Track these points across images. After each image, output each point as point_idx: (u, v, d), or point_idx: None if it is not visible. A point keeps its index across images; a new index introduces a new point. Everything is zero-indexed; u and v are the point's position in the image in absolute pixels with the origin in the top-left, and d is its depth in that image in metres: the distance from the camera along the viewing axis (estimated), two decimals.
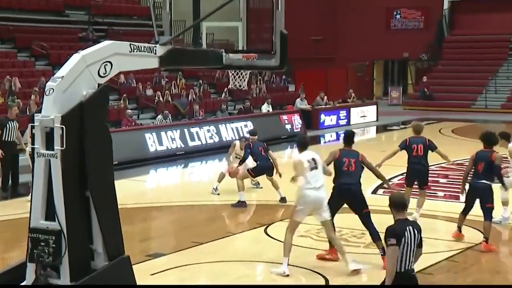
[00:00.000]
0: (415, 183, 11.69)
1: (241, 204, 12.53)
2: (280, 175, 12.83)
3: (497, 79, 34.53)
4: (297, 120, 24.17)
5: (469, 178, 10.42)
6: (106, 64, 6.82)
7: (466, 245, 10.16)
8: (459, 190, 11.52)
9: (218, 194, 13.59)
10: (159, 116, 21.48)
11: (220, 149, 19.73)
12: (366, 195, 13.63)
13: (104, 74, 6.82)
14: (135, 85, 25.44)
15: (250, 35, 8.46)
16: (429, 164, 11.59)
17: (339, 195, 9.42)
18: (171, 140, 19.15)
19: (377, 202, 12.99)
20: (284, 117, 24.01)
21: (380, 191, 14.12)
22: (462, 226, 10.50)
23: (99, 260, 6.69)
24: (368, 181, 14.82)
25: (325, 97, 27.99)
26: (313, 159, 9.03)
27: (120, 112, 21.97)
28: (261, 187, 13.99)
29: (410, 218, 11.09)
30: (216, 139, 20.37)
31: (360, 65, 40.08)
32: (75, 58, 6.68)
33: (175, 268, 9.10)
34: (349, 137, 9.85)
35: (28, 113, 19.61)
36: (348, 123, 27.36)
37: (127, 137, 18.09)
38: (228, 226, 11.37)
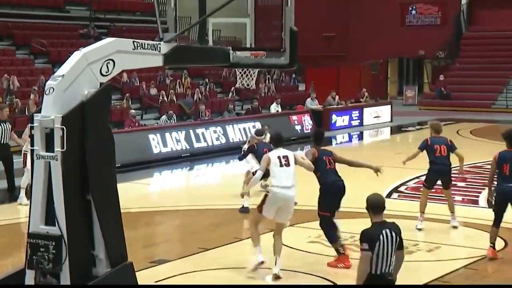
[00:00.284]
0: (435, 185, 11.61)
1: (245, 210, 12.48)
2: None
3: None
4: (307, 121, 24.15)
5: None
6: (109, 62, 6.85)
7: (486, 252, 10.11)
8: (478, 195, 11.50)
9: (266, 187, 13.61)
10: (164, 117, 21.51)
11: (227, 151, 19.75)
12: None
13: (106, 72, 6.85)
14: (138, 84, 25.49)
15: (259, 32, 8.46)
16: (453, 166, 11.54)
17: (335, 193, 9.62)
18: (176, 141, 19.17)
19: (391, 206, 12.98)
20: (294, 117, 24.00)
21: (395, 194, 14.09)
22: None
23: (101, 267, 6.71)
24: (380, 185, 14.84)
25: (337, 97, 27.96)
26: (286, 157, 9.11)
27: (123, 112, 22.01)
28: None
29: (452, 225, 11.13)
30: (223, 141, 20.39)
31: (373, 63, 40.01)
32: (76, 56, 6.71)
33: (180, 275, 9.11)
34: (320, 136, 10.12)
35: (27, 113, 19.69)
36: (361, 123, 27.33)
37: (130, 138, 18.13)
38: (235, 232, 11.37)
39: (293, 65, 8.30)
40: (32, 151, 6.64)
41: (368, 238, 6.02)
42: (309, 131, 23.88)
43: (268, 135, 13.69)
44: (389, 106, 29.49)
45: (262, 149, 12.84)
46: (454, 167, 11.73)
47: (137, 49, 7.16)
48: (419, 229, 11.23)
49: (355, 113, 27.36)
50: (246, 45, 8.45)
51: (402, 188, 14.64)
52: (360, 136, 25.70)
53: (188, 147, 19.37)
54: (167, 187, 17.02)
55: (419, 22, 40.25)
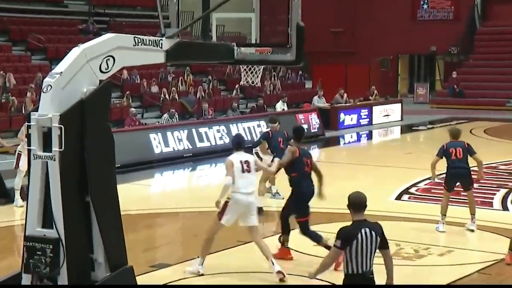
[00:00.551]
0: (454, 187, 11.60)
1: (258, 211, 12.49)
2: None
3: None
4: (314, 120, 24.15)
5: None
6: (108, 59, 6.87)
7: (501, 256, 10.10)
8: (492, 196, 11.51)
9: (275, 194, 13.53)
10: (165, 115, 21.53)
11: (230, 150, 19.72)
12: (390, 201, 13.76)
13: (106, 69, 6.87)
14: (139, 81, 25.53)
15: (264, 27, 8.47)
16: (470, 166, 11.54)
17: (308, 198, 9.67)
18: (177, 141, 19.19)
19: (401, 208, 12.98)
20: (301, 116, 23.99)
21: (405, 196, 14.08)
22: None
23: (100, 271, 6.73)
24: (390, 186, 14.84)
25: (345, 95, 27.95)
26: (247, 162, 9.19)
27: (123, 111, 22.06)
28: (282, 198, 13.86)
29: (469, 228, 11.13)
30: (227, 140, 20.38)
31: (383, 59, 39.96)
32: (75, 52, 6.73)
33: (181, 279, 9.12)
34: (301, 134, 10.07)
35: (23, 112, 19.74)
36: (370, 122, 27.31)
37: (130, 137, 18.15)
38: (239, 235, 11.35)
39: (299, 62, 8.30)
40: (29, 151, 6.66)
41: (343, 236, 6.16)
42: (316, 130, 23.91)
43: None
44: (399, 105, 29.45)
45: (277, 139, 12.79)
46: (473, 166, 11.71)
47: (138, 45, 7.18)
48: (441, 232, 11.26)
49: (364, 112, 27.34)
50: (251, 41, 8.46)
51: (412, 190, 14.64)
52: (369, 136, 25.69)
53: (190, 146, 19.38)
54: (168, 188, 17.04)
55: (431, 16, 40.18)
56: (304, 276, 9.16)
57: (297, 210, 9.70)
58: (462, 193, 11.88)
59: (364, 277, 6.17)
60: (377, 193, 14.35)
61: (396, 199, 13.90)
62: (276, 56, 8.55)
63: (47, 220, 6.58)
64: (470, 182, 11.50)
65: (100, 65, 6.81)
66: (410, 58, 41.81)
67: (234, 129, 20.97)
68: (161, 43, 7.42)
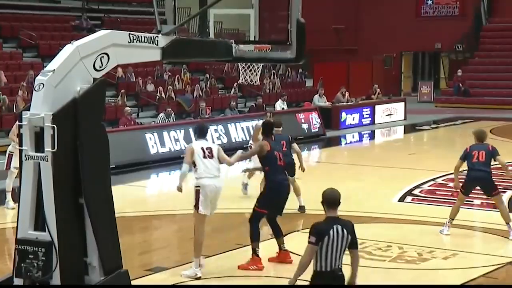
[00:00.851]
0: (471, 191, 11.56)
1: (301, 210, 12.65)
2: (303, 170, 12.86)
3: None
4: (315, 119, 24.17)
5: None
6: (103, 56, 6.87)
7: (507, 260, 10.12)
8: (458, 200, 11.55)
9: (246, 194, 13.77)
10: (161, 114, 21.55)
11: (229, 151, 19.67)
12: (392, 203, 13.78)
13: (100, 67, 6.87)
14: (134, 79, 25.53)
15: (263, 24, 8.49)
16: (489, 170, 11.50)
17: (282, 193, 9.68)
18: (174, 141, 19.20)
19: (405, 210, 13.00)
20: (301, 115, 24.01)
21: (409, 198, 14.11)
22: None
23: (94, 275, 6.73)
24: (393, 187, 14.86)
25: (347, 93, 27.98)
26: (209, 148, 9.44)
27: (118, 110, 22.05)
28: (246, 193, 13.97)
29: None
30: (225, 140, 20.41)
31: (386, 57, 39.99)
32: (68, 49, 6.73)
33: (178, 284, 9.14)
34: (270, 128, 10.15)
35: (15, 111, 19.74)
36: (372, 122, 27.33)
37: (125, 137, 18.16)
38: (237, 237, 11.37)
39: (300, 60, 8.31)
40: (20, 151, 6.67)
41: (316, 231, 6.30)
42: (317, 130, 23.92)
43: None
44: (402, 103, 29.48)
45: (280, 142, 12.83)
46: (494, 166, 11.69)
47: (133, 42, 7.18)
48: (445, 234, 11.26)
49: (366, 111, 27.37)
50: (249, 38, 8.48)
51: (416, 191, 14.66)
52: (372, 136, 25.71)
53: (251, 148, 19.35)
54: (164, 189, 17.04)
55: (435, 13, 40.21)
56: (304, 280, 9.19)
57: (262, 201, 9.72)
58: (456, 196, 11.84)
59: (333, 274, 6.32)
60: (380, 195, 14.39)
61: (399, 200, 13.92)
62: (275, 53, 8.56)
63: (40, 222, 6.59)
64: (491, 187, 11.34)
65: (94, 62, 6.81)
66: (414, 56, 41.85)
67: (233, 128, 20.98)
68: (157, 40, 7.43)
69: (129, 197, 14.53)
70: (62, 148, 6.46)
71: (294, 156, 13.04)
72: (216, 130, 20.52)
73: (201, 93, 25.86)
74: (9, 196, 13.08)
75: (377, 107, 27.87)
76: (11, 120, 18.00)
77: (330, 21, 39.48)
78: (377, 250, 10.47)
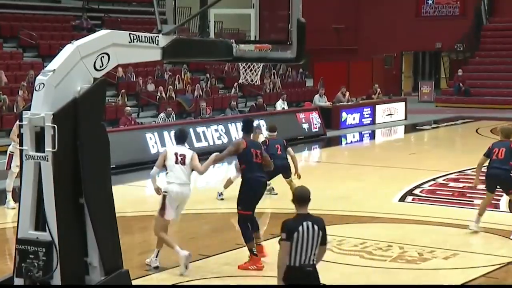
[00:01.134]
0: (495, 189, 11.47)
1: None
2: (299, 177, 12.87)
3: None
4: (315, 119, 24.17)
5: None
6: (103, 56, 6.88)
7: (508, 260, 10.12)
8: (499, 198, 11.52)
9: (222, 199, 13.73)
10: (162, 114, 21.55)
11: None
12: (393, 203, 13.78)
13: (100, 67, 6.88)
14: (134, 79, 25.54)
15: (264, 23, 8.49)
16: (473, 167, 11.46)
17: (258, 190, 9.71)
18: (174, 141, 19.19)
19: (406, 210, 13.00)
20: (301, 115, 24.02)
21: (409, 198, 14.11)
22: None
23: (94, 275, 6.74)
24: (393, 187, 14.86)
25: (347, 93, 27.97)
26: (182, 155, 9.53)
27: (118, 110, 22.05)
28: (276, 193, 13.99)
29: None
30: (225, 140, 20.40)
31: (386, 57, 39.98)
32: (68, 49, 6.74)
33: (178, 284, 9.14)
34: (250, 125, 10.15)
35: (15, 111, 19.74)
36: (373, 122, 27.33)
37: (126, 137, 18.16)
38: (237, 237, 11.36)
39: (300, 59, 8.31)
40: (21, 151, 6.67)
41: (286, 228, 6.44)
42: (317, 130, 23.92)
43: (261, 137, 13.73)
44: (403, 103, 29.48)
45: (275, 146, 12.88)
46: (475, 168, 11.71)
47: (133, 42, 7.18)
48: (471, 230, 11.27)
49: (367, 111, 27.37)
50: (250, 38, 8.48)
51: (417, 191, 14.66)
52: (372, 135, 25.71)
53: (187, 147, 19.37)
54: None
55: (436, 12, 40.21)
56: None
57: (243, 202, 9.74)
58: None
59: (302, 270, 6.43)
60: (380, 195, 14.40)
61: (399, 200, 13.92)
62: (276, 53, 8.57)
63: (40, 222, 6.59)
64: (508, 185, 11.26)
65: (95, 62, 6.82)
66: (415, 55, 41.85)
67: (233, 128, 20.98)
68: (158, 40, 7.43)
69: (129, 197, 14.53)
70: (63, 148, 6.47)
71: (290, 159, 13.09)
72: (216, 130, 20.52)
73: (201, 93, 25.86)
74: (9, 196, 13.09)
75: (377, 107, 27.87)
76: (12, 120, 18.00)
77: (330, 21, 39.48)
78: (377, 250, 10.48)
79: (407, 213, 12.73)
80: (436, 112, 31.87)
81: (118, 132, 18.23)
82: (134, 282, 7.08)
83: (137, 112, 24.20)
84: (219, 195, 13.93)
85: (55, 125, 6.40)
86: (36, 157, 6.51)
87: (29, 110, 6.57)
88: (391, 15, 38.96)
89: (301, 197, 6.56)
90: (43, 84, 6.52)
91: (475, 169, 11.81)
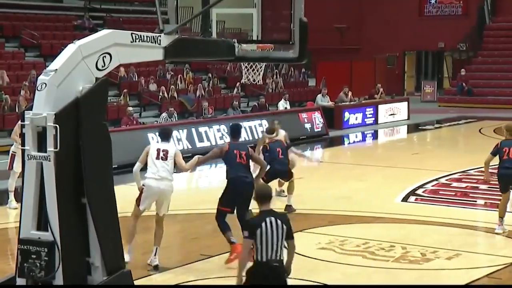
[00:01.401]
0: (507, 188, 11.37)
1: (289, 209, 12.58)
2: (318, 162, 12.92)
3: None
4: (318, 119, 24.17)
5: None
6: (105, 56, 6.88)
7: (511, 260, 10.11)
8: (501, 198, 11.51)
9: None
10: (164, 114, 21.56)
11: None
12: (396, 203, 13.77)
13: (102, 67, 6.88)
14: (136, 79, 25.55)
15: (266, 23, 8.48)
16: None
17: (240, 189, 9.70)
18: (176, 140, 19.19)
19: (408, 210, 12.99)
20: (304, 115, 24.01)
21: (412, 198, 14.10)
22: None
23: (96, 275, 6.74)
24: (396, 187, 14.85)
25: (350, 93, 27.96)
26: (165, 151, 9.63)
27: (120, 110, 22.06)
28: (286, 195, 13.87)
29: None
30: (227, 140, 20.39)
31: (389, 56, 39.96)
32: (70, 49, 6.74)
33: (181, 284, 9.14)
34: (236, 130, 10.25)
35: (17, 111, 19.76)
36: (376, 121, 27.31)
37: (128, 137, 18.16)
38: (239, 238, 11.40)
39: (302, 59, 8.32)
40: (23, 151, 6.68)
41: (249, 226, 6.63)
42: (319, 129, 23.91)
43: (281, 132, 13.72)
44: (406, 103, 29.47)
45: (276, 150, 12.78)
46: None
47: (135, 41, 7.19)
48: (497, 233, 11.23)
49: (369, 111, 27.35)
50: (252, 38, 8.48)
51: (419, 191, 14.65)
52: (375, 135, 25.70)
53: (189, 146, 19.40)
54: None
55: (439, 12, 40.18)
56: (305, 280, 9.20)
57: (224, 199, 9.87)
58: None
59: (268, 265, 6.53)
60: (383, 195, 14.39)
61: (402, 200, 13.91)
62: (278, 53, 8.57)
63: (42, 222, 6.60)
64: None
65: (96, 62, 6.82)
66: (417, 55, 41.82)
67: None
68: (160, 40, 7.44)
69: (131, 197, 14.48)
70: (65, 148, 6.48)
71: (295, 157, 13.03)
72: (218, 130, 20.51)
73: (203, 93, 25.87)
74: (11, 196, 13.11)
75: (380, 106, 27.85)
76: (14, 120, 18.01)
77: (333, 20, 39.46)
78: (380, 250, 10.48)
79: (410, 213, 12.72)
80: (438, 112, 31.85)
81: (120, 132, 18.24)
82: (137, 282, 7.08)
83: (139, 112, 24.21)
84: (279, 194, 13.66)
85: (57, 125, 6.41)
86: (38, 157, 6.52)
87: (31, 110, 6.58)
88: (394, 15, 38.94)
89: (263, 194, 6.70)
90: (45, 84, 6.53)
91: (482, 168, 11.70)
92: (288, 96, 25.84)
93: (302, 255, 10.26)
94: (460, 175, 16.14)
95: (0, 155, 16.79)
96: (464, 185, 15.25)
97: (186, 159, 19.46)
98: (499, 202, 11.62)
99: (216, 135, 20.36)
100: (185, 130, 19.56)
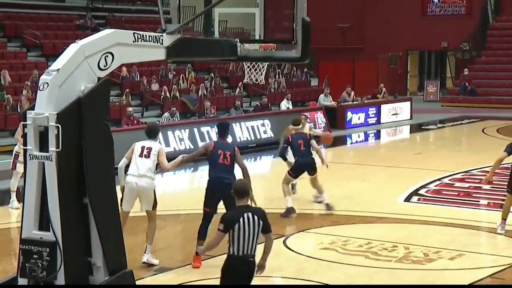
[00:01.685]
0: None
1: (290, 211, 12.50)
2: (327, 166, 12.89)
3: None
4: (320, 119, 24.16)
5: None
6: (107, 56, 6.89)
7: None
8: (505, 198, 11.49)
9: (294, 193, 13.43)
10: (166, 114, 21.56)
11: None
12: (398, 203, 13.77)
13: (104, 66, 6.89)
14: (139, 79, 25.56)
15: (268, 22, 8.49)
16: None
17: (216, 189, 9.71)
18: (179, 140, 19.21)
19: (411, 210, 12.99)
20: (306, 115, 23.98)
21: (415, 198, 14.09)
22: None
23: (98, 275, 6.75)
24: (399, 187, 14.85)
25: (352, 93, 27.95)
26: (149, 148, 9.62)
27: (122, 110, 22.06)
28: (294, 192, 13.77)
29: None
30: (229, 140, 20.37)
31: (392, 56, 39.94)
32: (72, 48, 6.75)
33: (183, 284, 9.15)
34: (223, 129, 10.17)
35: (19, 111, 19.78)
36: (378, 121, 27.31)
37: (129, 137, 18.05)
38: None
39: (305, 59, 8.32)
40: (25, 151, 6.69)
41: (225, 220, 6.74)
42: (322, 129, 23.89)
43: (307, 125, 13.71)
44: (408, 103, 29.44)
45: (297, 142, 12.73)
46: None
47: (137, 41, 7.20)
48: (499, 233, 11.19)
49: (372, 110, 27.34)
50: (254, 37, 8.48)
51: (422, 191, 14.64)
52: (377, 135, 25.69)
53: (192, 146, 19.40)
54: (169, 189, 17.06)
55: (442, 11, 40.15)
56: (307, 280, 9.20)
57: (205, 199, 9.89)
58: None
59: (243, 260, 6.67)
60: (386, 195, 14.39)
61: (405, 200, 13.91)
62: (280, 52, 8.57)
63: (44, 222, 6.61)
64: None
65: (99, 62, 6.83)
66: (420, 55, 41.80)
67: (238, 128, 20.98)
68: (162, 39, 7.44)
69: None
70: (66, 148, 6.48)
71: (315, 154, 12.94)
72: None
73: (206, 93, 25.87)
74: (13, 196, 13.13)
75: (383, 106, 27.84)
76: (16, 119, 18.03)
77: (335, 20, 39.45)
78: (383, 251, 10.47)
79: (413, 213, 12.72)
80: (441, 112, 31.82)
81: (122, 132, 18.25)
82: (137, 283, 7.08)
83: (141, 111, 24.22)
84: (292, 188, 13.41)
85: (59, 125, 6.42)
86: (40, 157, 6.53)
87: (33, 109, 6.58)
88: (397, 14, 38.92)
89: (240, 189, 6.82)
90: (47, 83, 6.53)
91: (485, 168, 11.64)
92: (290, 96, 25.82)
93: (305, 255, 10.27)
94: (463, 175, 16.13)
95: (3, 155, 16.82)
96: (467, 185, 15.24)
97: None
98: (503, 202, 11.60)
99: None
100: (187, 130, 19.57)
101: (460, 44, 37.91)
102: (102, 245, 6.71)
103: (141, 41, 7.22)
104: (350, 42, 40.28)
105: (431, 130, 26.46)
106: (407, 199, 13.98)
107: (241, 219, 6.63)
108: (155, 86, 25.39)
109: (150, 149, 9.64)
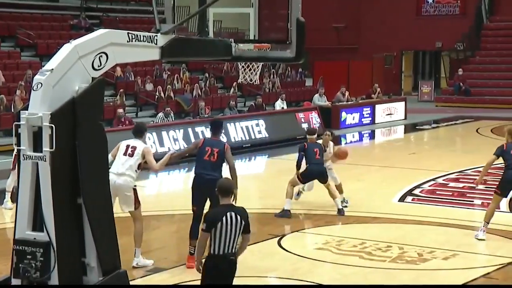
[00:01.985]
0: (508, 193, 11.31)
1: (285, 213, 12.45)
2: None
3: None
4: (315, 119, 24.18)
5: None
6: (101, 56, 6.89)
7: (508, 260, 10.13)
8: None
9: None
10: (160, 114, 21.55)
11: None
12: (393, 203, 13.79)
13: (98, 66, 6.89)
14: (133, 79, 25.54)
15: (263, 22, 8.50)
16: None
17: (199, 186, 9.71)
18: (173, 140, 19.21)
19: (405, 210, 13.00)
20: (301, 115, 24.01)
21: (409, 198, 14.11)
22: None
23: (92, 275, 6.75)
24: (393, 187, 14.87)
25: (347, 93, 27.98)
26: (133, 147, 9.64)
27: (117, 110, 22.04)
28: (297, 198, 13.75)
29: None
30: (224, 139, 20.36)
31: (387, 56, 39.98)
32: (66, 48, 6.75)
33: (178, 284, 9.14)
34: (216, 126, 10.14)
35: (13, 111, 19.75)
36: (373, 121, 27.34)
37: (123, 137, 18.04)
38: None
39: (300, 59, 8.32)
40: (18, 151, 6.68)
41: (208, 219, 6.77)
42: (316, 129, 23.89)
43: (331, 144, 13.57)
44: (403, 103, 29.49)
45: (313, 150, 12.74)
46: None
47: (132, 41, 7.19)
48: (480, 239, 10.97)
49: (367, 110, 27.38)
50: (249, 37, 8.49)
51: (416, 191, 14.67)
52: (372, 135, 25.72)
53: (186, 146, 19.39)
54: (163, 190, 17.06)
55: (436, 11, 40.21)
56: (301, 280, 9.21)
57: (191, 197, 9.86)
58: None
59: (225, 258, 6.71)
60: (380, 195, 14.40)
61: (399, 200, 13.92)
62: (275, 52, 8.58)
63: (38, 223, 6.60)
64: None
65: (93, 62, 6.83)
66: (415, 55, 41.84)
67: (232, 128, 20.99)
68: (156, 39, 7.44)
69: None
70: (60, 148, 6.48)
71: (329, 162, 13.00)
72: None
73: (200, 93, 25.87)
74: (8, 196, 13.09)
75: (377, 106, 27.87)
76: (9, 119, 18.00)
77: (330, 20, 39.48)
78: (377, 251, 10.49)
79: (407, 213, 12.74)
80: (436, 112, 31.88)
81: (116, 132, 18.22)
82: (132, 283, 7.08)
83: (136, 112, 24.20)
84: (297, 194, 13.43)
85: (53, 125, 6.41)
86: (33, 157, 6.52)
87: (27, 109, 6.58)
88: (392, 14, 38.97)
89: (224, 189, 6.84)
90: (41, 83, 6.52)
91: (479, 168, 11.63)
92: (285, 96, 25.85)
93: (299, 255, 10.27)
94: (457, 175, 16.16)
95: (5, 154, 16.76)
96: (461, 185, 15.27)
97: (182, 159, 19.45)
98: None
99: None
100: (181, 130, 19.56)
101: (454, 44, 37.98)
102: (96, 246, 6.70)
103: (135, 41, 7.22)
104: (344, 42, 40.32)
105: (425, 130, 26.50)
106: (402, 199, 14.00)
107: (223, 218, 6.66)
108: (149, 86, 25.37)
109: (134, 148, 9.65)
